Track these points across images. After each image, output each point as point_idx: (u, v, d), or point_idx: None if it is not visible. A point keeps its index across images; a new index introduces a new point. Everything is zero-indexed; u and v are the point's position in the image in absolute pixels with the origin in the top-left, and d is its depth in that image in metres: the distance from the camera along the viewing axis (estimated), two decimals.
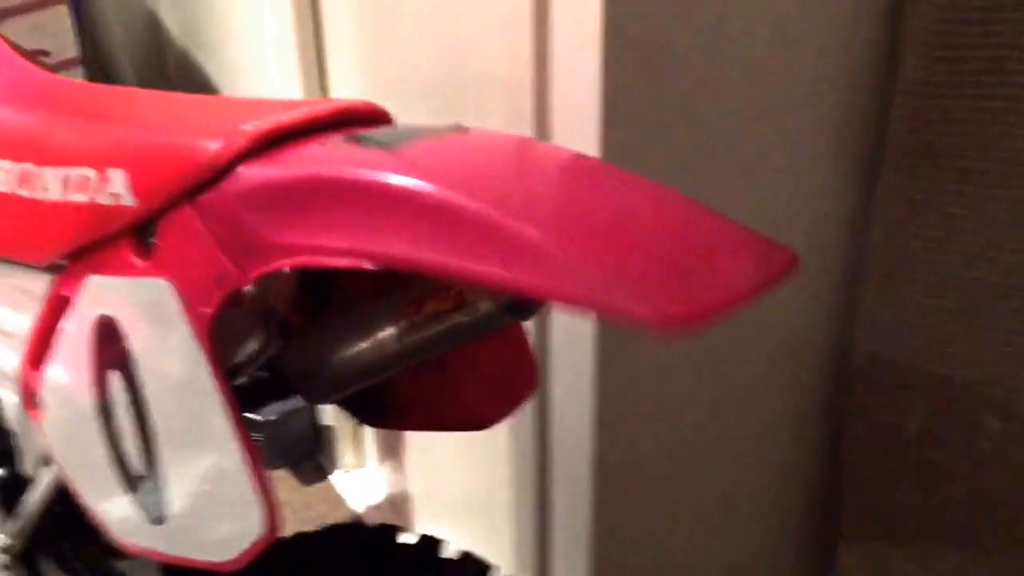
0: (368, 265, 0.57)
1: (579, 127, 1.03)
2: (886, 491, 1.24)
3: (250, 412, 1.00)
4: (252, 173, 0.64)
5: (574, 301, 0.50)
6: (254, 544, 0.71)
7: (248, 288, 0.66)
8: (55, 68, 2.05)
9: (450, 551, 1.00)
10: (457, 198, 0.54)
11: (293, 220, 0.61)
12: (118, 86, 0.91)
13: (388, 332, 0.78)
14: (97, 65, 2.34)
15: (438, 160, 0.60)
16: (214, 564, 0.74)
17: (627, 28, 0.98)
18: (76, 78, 2.06)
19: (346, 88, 1.80)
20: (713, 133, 1.08)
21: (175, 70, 2.53)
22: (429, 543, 1.02)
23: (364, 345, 0.80)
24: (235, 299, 0.67)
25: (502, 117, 1.18)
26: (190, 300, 0.67)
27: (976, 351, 1.12)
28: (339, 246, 0.59)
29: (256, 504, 0.70)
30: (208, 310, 0.66)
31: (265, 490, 0.70)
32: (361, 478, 2.34)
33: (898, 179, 1.13)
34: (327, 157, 0.62)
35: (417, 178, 0.56)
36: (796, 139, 1.15)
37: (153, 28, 2.48)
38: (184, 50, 2.47)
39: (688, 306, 0.49)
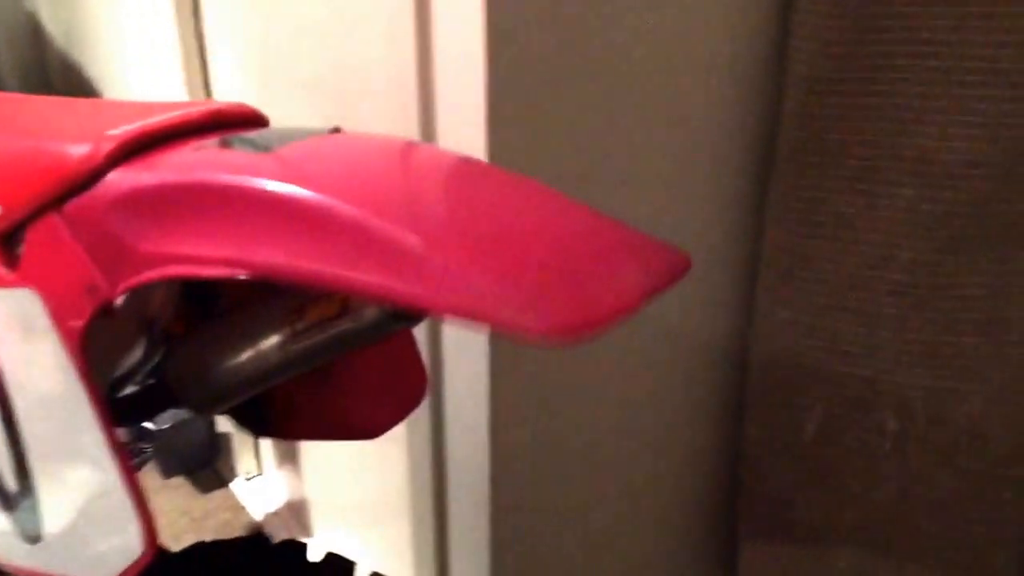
0: (242, 275, 0.56)
1: (465, 128, 1.02)
2: (784, 491, 1.24)
3: (146, 420, 0.97)
4: (121, 179, 0.62)
5: (456, 312, 0.48)
6: (133, 563, 0.68)
7: (120, 300, 0.64)
8: None
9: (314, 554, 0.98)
10: (332, 203, 0.52)
11: (164, 228, 0.59)
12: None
13: (271, 341, 0.76)
14: None
15: (313, 163, 0.58)
16: None
17: (511, 27, 0.97)
18: None
19: (229, 89, 1.77)
20: (602, 132, 1.08)
21: (58, 74, 2.47)
22: (293, 548, 0.99)
23: (247, 355, 0.78)
24: (107, 311, 0.64)
25: (388, 118, 1.17)
26: (59, 312, 0.64)
27: (873, 350, 1.13)
28: (212, 255, 0.57)
29: (134, 520, 0.67)
30: (78, 322, 0.64)
31: (143, 506, 0.67)
32: (260, 485, 2.31)
33: (791, 177, 1.13)
34: (198, 162, 0.60)
35: (290, 182, 0.54)
36: (687, 138, 1.15)
37: (35, 33, 2.42)
38: (66, 54, 2.41)
39: (576, 314, 0.47)
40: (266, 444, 2.27)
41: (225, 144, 0.62)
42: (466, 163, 0.66)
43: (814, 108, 1.08)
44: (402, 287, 0.49)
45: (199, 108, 0.69)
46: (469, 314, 0.48)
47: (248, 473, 2.33)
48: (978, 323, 1.09)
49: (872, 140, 1.06)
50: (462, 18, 0.97)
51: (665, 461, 1.36)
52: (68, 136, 0.65)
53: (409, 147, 0.66)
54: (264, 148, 0.61)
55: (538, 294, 0.49)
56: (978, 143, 1.02)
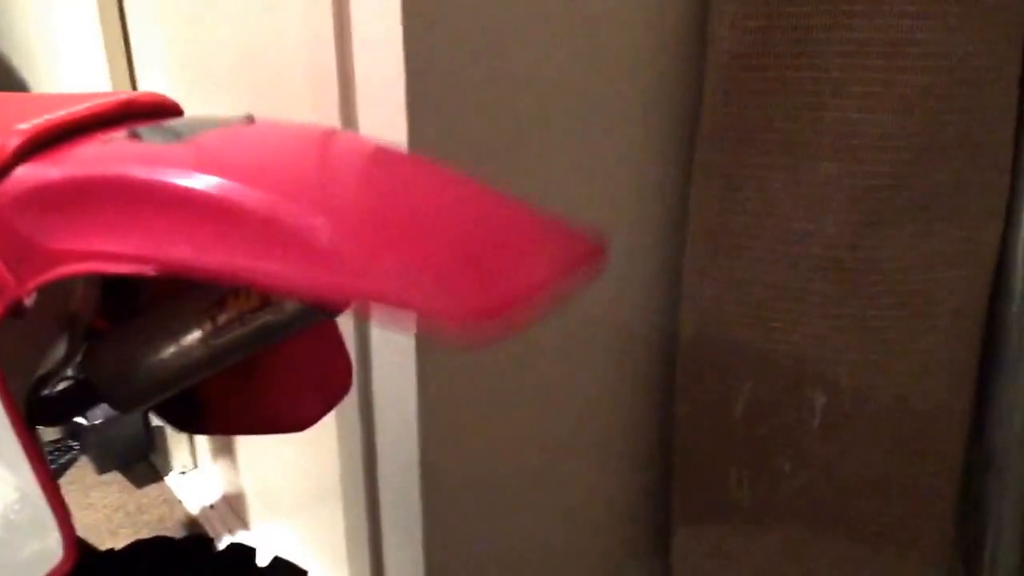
0: (151, 272, 0.54)
1: (385, 113, 1.01)
2: (716, 470, 1.25)
3: (77, 416, 0.94)
4: (26, 175, 0.60)
5: (366, 298, 0.47)
6: (55, 568, 0.67)
7: (30, 300, 0.62)
8: None
9: (262, 559, 0.97)
10: (238, 191, 0.50)
11: (71, 224, 0.57)
12: None
13: (193, 336, 0.75)
14: None
15: (222, 152, 0.56)
16: None
17: (429, 11, 0.96)
18: None
19: (154, 80, 1.75)
20: (522, 116, 1.07)
21: None
22: (240, 552, 0.98)
23: (169, 351, 0.76)
24: (16, 310, 0.62)
25: (308, 105, 1.15)
26: None
27: (799, 326, 1.13)
28: (120, 251, 0.55)
29: (52, 528, 0.66)
30: None
31: (61, 510, 0.66)
32: (196, 478, 2.29)
33: (714, 155, 1.13)
34: (104, 154, 0.58)
35: (196, 172, 0.52)
36: (610, 118, 1.15)
37: None
38: None
39: (487, 298, 0.46)
40: (201, 438, 2.25)
41: (134, 135, 0.60)
42: (380, 151, 0.65)
43: (735, 84, 1.08)
44: (309, 277, 0.48)
45: (110, 99, 0.67)
46: (378, 300, 0.47)
47: (183, 467, 2.31)
48: (901, 295, 1.09)
49: (793, 114, 1.06)
50: (380, 2, 0.96)
51: (596, 444, 1.36)
52: None
53: (321, 134, 0.65)
54: (175, 138, 0.59)
55: (448, 279, 0.47)
56: (895, 116, 1.03)
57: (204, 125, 0.62)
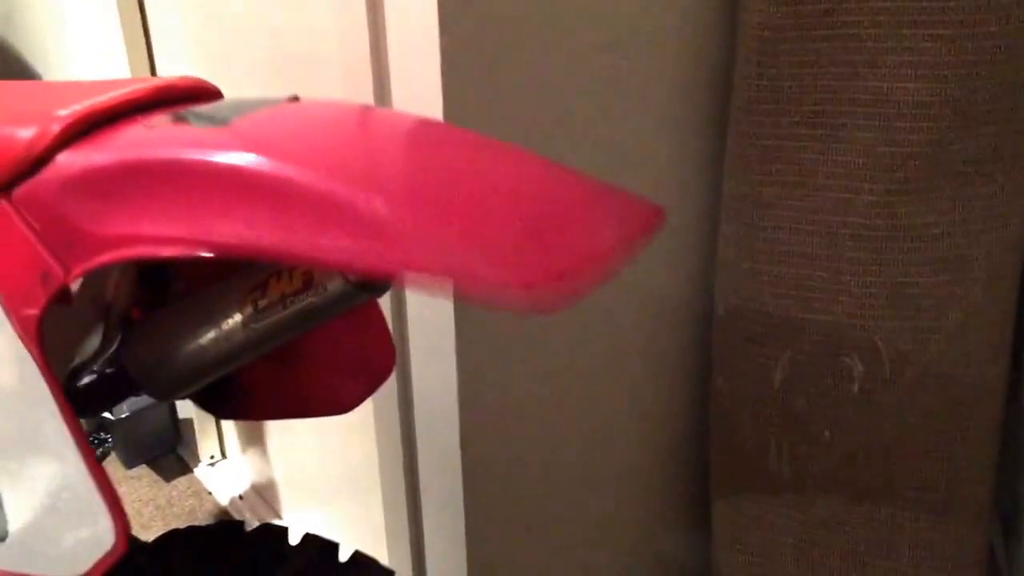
0: (203, 253, 0.54)
1: (420, 100, 1.01)
2: (754, 441, 1.25)
3: (104, 410, 0.94)
4: (71, 161, 0.59)
5: (428, 273, 0.47)
6: (106, 556, 0.67)
7: (76, 285, 0.62)
8: None
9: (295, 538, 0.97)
10: (291, 171, 0.50)
11: (119, 209, 0.57)
12: None
13: (233, 320, 0.75)
14: None
15: (271, 132, 0.56)
16: None
17: None
18: None
19: (174, 67, 1.74)
20: (556, 93, 1.07)
21: None
22: (272, 532, 0.98)
23: (209, 336, 0.76)
24: (63, 297, 0.62)
25: (341, 89, 1.15)
26: (12, 301, 0.62)
27: (836, 295, 1.13)
28: (169, 234, 0.55)
29: (104, 514, 0.66)
30: (33, 311, 0.62)
31: (111, 497, 0.65)
32: (225, 469, 2.29)
33: (747, 127, 1.13)
34: (151, 138, 0.58)
35: (247, 153, 0.52)
36: (641, 93, 1.14)
37: None
38: (3, 40, 2.36)
39: (550, 269, 0.46)
40: (229, 428, 2.25)
41: (178, 119, 0.60)
42: (427, 125, 0.64)
43: (767, 56, 1.08)
44: (369, 253, 0.48)
45: (148, 84, 0.67)
46: (439, 275, 0.46)
47: (212, 458, 2.31)
48: (937, 262, 1.09)
49: (826, 85, 1.06)
50: None
51: (636, 418, 1.36)
52: (13, 119, 0.63)
53: (368, 111, 0.65)
54: (220, 121, 0.59)
55: (511, 250, 0.47)
56: (928, 84, 1.02)
57: (249, 106, 0.61)
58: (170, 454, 2.39)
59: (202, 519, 2.15)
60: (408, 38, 1.00)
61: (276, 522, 1.99)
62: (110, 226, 0.57)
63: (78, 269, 0.59)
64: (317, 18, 1.23)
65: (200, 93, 0.70)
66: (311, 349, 0.85)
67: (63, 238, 0.60)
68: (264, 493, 2.14)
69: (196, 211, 0.54)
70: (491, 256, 0.46)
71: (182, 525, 0.97)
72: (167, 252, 0.55)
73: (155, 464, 2.35)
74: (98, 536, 0.66)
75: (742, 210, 1.16)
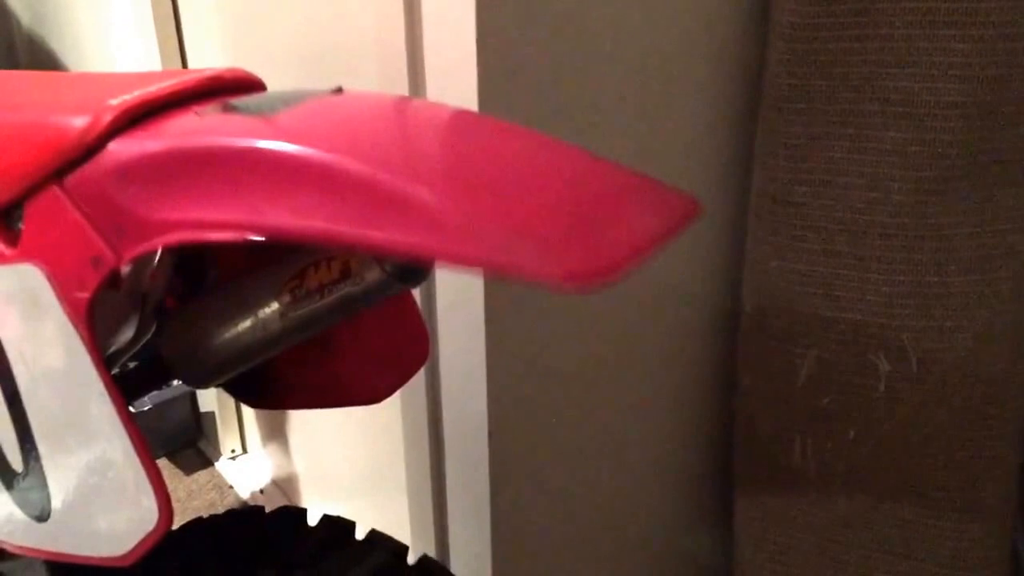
0: (251, 237, 0.55)
1: (455, 92, 1.02)
2: (779, 438, 1.26)
3: (138, 398, 0.95)
4: (122, 148, 0.61)
5: (474, 263, 0.48)
6: (148, 535, 0.68)
7: (126, 269, 0.63)
8: None
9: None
10: (341, 161, 0.52)
11: (169, 195, 0.58)
12: None
13: (270, 309, 0.76)
14: None
15: (317, 123, 0.57)
16: (108, 560, 0.71)
17: None
18: None
19: (206, 59, 1.76)
20: (589, 86, 1.08)
21: (24, 55, 2.44)
22: (292, 514, 0.99)
23: (245, 324, 0.77)
24: (113, 281, 0.64)
25: (375, 81, 1.16)
26: (64, 285, 0.64)
27: (864, 293, 1.14)
28: (219, 219, 0.56)
29: (148, 494, 0.67)
30: (84, 295, 0.63)
31: (157, 478, 0.67)
32: (246, 463, 2.31)
33: (777, 125, 1.14)
34: (201, 127, 0.59)
35: (296, 143, 0.53)
36: (672, 89, 1.15)
37: (1, 12, 2.39)
38: (33, 33, 2.38)
39: (594, 261, 0.47)
40: (250, 422, 2.27)
41: (228, 109, 0.61)
42: (469, 115, 0.65)
43: (799, 54, 1.08)
44: (416, 240, 0.49)
45: (197, 75, 0.68)
46: (485, 264, 0.47)
47: (233, 452, 2.33)
48: (965, 261, 1.10)
49: (857, 84, 1.06)
50: None
51: (660, 413, 1.37)
52: (66, 108, 0.64)
53: (411, 102, 0.66)
54: (268, 111, 0.60)
55: (553, 240, 0.48)
56: (959, 83, 1.03)
57: (296, 97, 0.62)
58: (191, 448, 2.40)
59: None
60: (444, 30, 1.01)
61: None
62: (161, 212, 0.59)
63: (129, 253, 0.61)
64: (351, 8, 1.24)
65: (247, 84, 0.72)
66: (345, 338, 0.86)
67: (114, 224, 0.61)
68: (285, 487, 2.15)
69: (246, 197, 0.55)
70: (539, 247, 0.47)
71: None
72: (217, 236, 0.56)
73: (176, 457, 2.37)
74: (142, 515, 0.67)
75: (770, 208, 1.17)
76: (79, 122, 0.62)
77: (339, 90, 0.66)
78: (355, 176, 0.51)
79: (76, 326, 0.64)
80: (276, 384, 0.92)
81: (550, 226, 0.49)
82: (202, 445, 2.40)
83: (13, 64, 2.42)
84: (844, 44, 1.06)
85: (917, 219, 1.08)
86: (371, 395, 0.87)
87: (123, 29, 1.96)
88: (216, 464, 2.33)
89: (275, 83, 1.44)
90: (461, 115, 0.64)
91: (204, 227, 0.57)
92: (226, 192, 0.56)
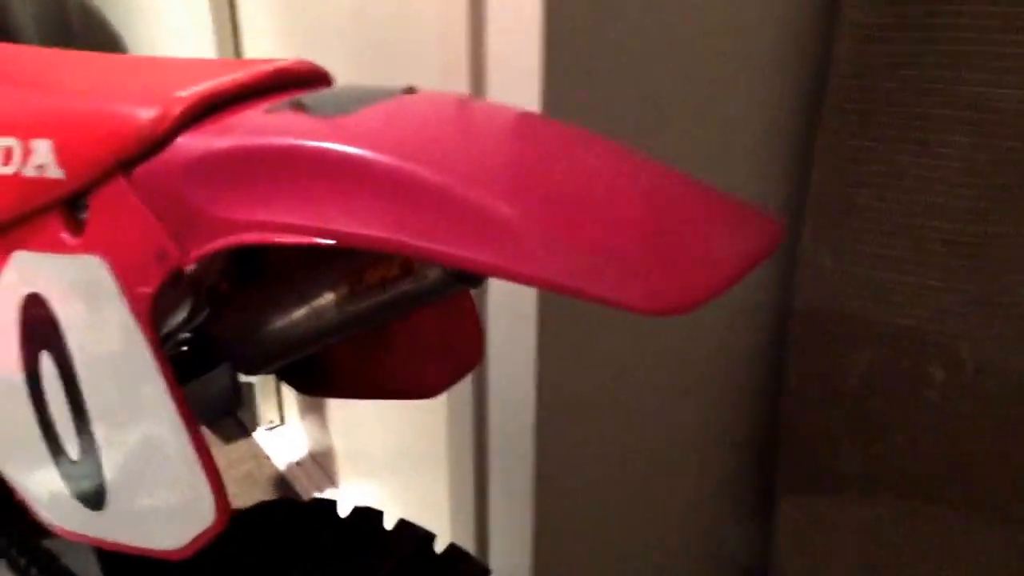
0: (321, 242, 0.54)
1: (518, 87, 1.00)
2: (826, 441, 1.24)
3: (187, 382, 0.95)
4: (194, 143, 0.60)
5: (550, 285, 0.47)
6: (206, 531, 0.68)
7: (190, 268, 0.62)
8: None
9: (387, 522, 0.97)
10: (415, 170, 0.50)
11: (239, 194, 0.57)
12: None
13: (327, 301, 0.75)
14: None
15: (391, 127, 0.56)
16: (163, 552, 0.71)
17: None
18: None
19: (261, 39, 1.75)
20: (654, 82, 1.06)
21: (78, 26, 2.44)
22: (366, 515, 0.98)
23: (301, 314, 0.77)
24: (176, 278, 0.63)
25: (434, 70, 1.15)
26: (127, 279, 0.63)
27: (922, 300, 1.12)
28: (289, 222, 0.55)
29: (205, 488, 0.67)
30: (147, 289, 0.63)
31: (214, 474, 0.67)
32: (283, 435, 2.32)
33: (841, 125, 1.11)
34: (274, 126, 0.58)
35: (370, 148, 0.52)
36: (737, 83, 1.13)
37: None
38: (86, 4, 2.38)
39: (678, 287, 0.45)
40: (288, 393, 2.28)
41: (298, 106, 0.60)
42: (544, 123, 0.63)
43: (866, 56, 1.06)
44: (490, 259, 0.48)
45: (265, 67, 0.67)
46: (566, 289, 0.46)
47: (271, 423, 2.34)
48: None
49: (926, 88, 1.04)
50: None
51: (706, 410, 1.36)
52: (133, 98, 0.64)
53: (484, 106, 0.65)
54: (341, 110, 0.59)
55: (635, 263, 0.47)
56: None
57: (368, 97, 0.61)
58: (229, 417, 2.41)
59: (260, 483, 2.17)
60: (509, 21, 1.00)
61: (332, 493, 2.01)
62: (229, 210, 0.58)
63: (195, 251, 0.60)
64: (415, 5, 1.22)
65: (314, 78, 0.71)
66: (399, 332, 0.85)
67: (181, 219, 0.60)
68: (322, 461, 2.16)
69: (316, 202, 0.54)
70: (620, 270, 0.46)
71: (240, 489, 0.98)
72: (286, 239, 0.56)
73: (214, 426, 2.38)
74: (198, 511, 0.67)
75: (829, 209, 1.15)
76: (147, 114, 0.61)
77: (411, 90, 0.65)
78: (430, 186, 0.50)
79: (138, 320, 0.63)
80: (324, 371, 0.92)
81: (631, 247, 0.47)
82: (241, 415, 2.41)
83: (67, 35, 2.42)
84: (913, 47, 1.03)
85: (981, 227, 1.06)
86: (420, 391, 0.86)
87: (178, 10, 1.96)
88: (254, 434, 2.34)
89: (332, 68, 1.44)
90: (536, 122, 0.62)
91: (272, 229, 0.56)
92: (295, 194, 0.55)
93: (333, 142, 0.54)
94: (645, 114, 1.07)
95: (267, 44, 1.72)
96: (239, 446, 2.31)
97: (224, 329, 0.84)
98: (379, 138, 0.54)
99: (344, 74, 1.42)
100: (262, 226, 0.57)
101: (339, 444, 2.04)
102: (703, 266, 0.48)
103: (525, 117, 0.63)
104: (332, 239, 0.54)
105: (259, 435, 2.33)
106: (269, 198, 0.56)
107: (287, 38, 1.63)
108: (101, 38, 2.32)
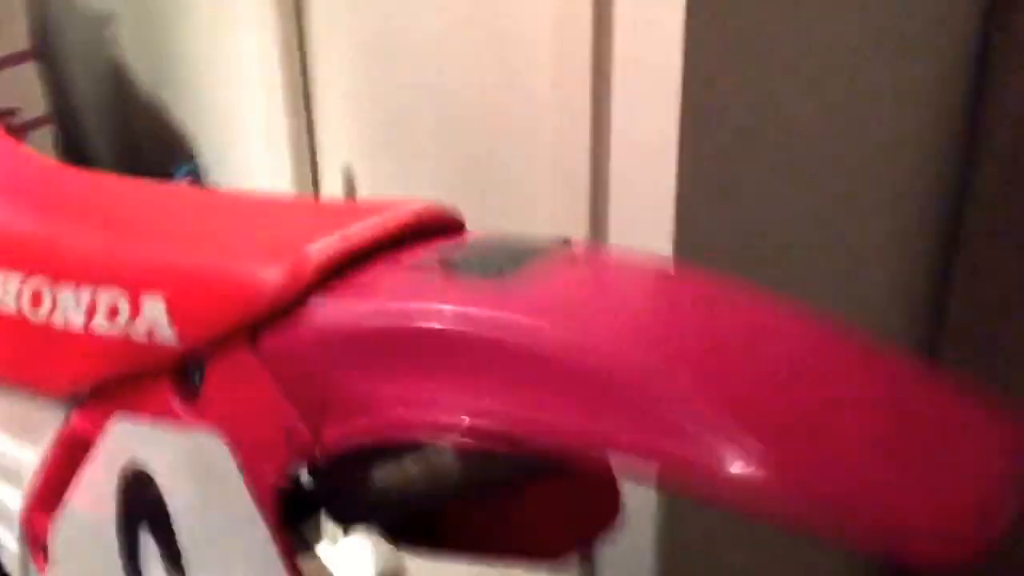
0: (490, 446, 0.46)
1: (647, 103, 0.87)
2: None
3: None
4: (328, 312, 0.52)
5: (796, 522, 0.38)
6: None
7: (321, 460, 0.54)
8: (25, 127, 1.95)
9: None
10: (609, 359, 0.42)
11: (384, 376, 0.49)
12: (142, 179, 0.78)
13: (446, 455, 0.67)
14: (64, 122, 2.23)
15: (568, 301, 0.48)
16: None
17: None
18: (47, 136, 1.95)
19: (337, 127, 1.68)
20: (798, 134, 0.98)
21: (142, 119, 2.43)
22: None
23: (414, 469, 0.69)
24: (310, 462, 0.55)
25: (548, 92, 1.03)
26: (249, 459, 0.56)
27: None
28: (442, 421, 0.47)
29: None
30: (273, 474, 0.55)
31: None
32: (349, 549, 2.23)
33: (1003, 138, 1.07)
34: (423, 293, 0.50)
35: (555, 332, 0.44)
36: (888, 101, 1.05)
37: (119, 78, 2.38)
38: (151, 97, 2.36)
39: (964, 523, 0.37)
40: None
41: (447, 266, 0.52)
42: (722, 290, 0.54)
43: None
44: (725, 488, 0.39)
45: (397, 214, 0.60)
46: (816, 527, 0.37)
47: (334, 537, 2.25)
48: None
49: None
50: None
51: None
52: (255, 253, 0.57)
53: (673, 273, 0.56)
54: (494, 271, 0.51)
55: (895, 499, 0.39)
56: None
57: (524, 255, 0.53)
58: (292, 528, 2.33)
59: None
60: (639, 37, 0.90)
61: None
62: (371, 394, 0.50)
63: (329, 435, 0.52)
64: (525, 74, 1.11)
65: (448, 223, 0.63)
66: (529, 488, 0.77)
67: (312, 396, 0.53)
68: None
69: (478, 389, 0.46)
70: (878, 504, 0.38)
71: None
72: (439, 438, 0.48)
73: None
74: None
75: (989, 232, 1.10)
76: (275, 274, 0.54)
77: (567, 242, 0.57)
78: (630, 381, 0.42)
79: (261, 507, 0.56)
80: (439, 527, 0.84)
81: (886, 478, 0.39)
82: (303, 527, 2.33)
83: (128, 129, 2.41)
84: None
85: None
86: (544, 554, 0.78)
87: (248, 92, 1.90)
88: (318, 548, 2.25)
89: (418, 162, 1.33)
90: (717, 291, 0.53)
91: (418, 428, 0.48)
92: (456, 384, 0.47)
93: (502, 321, 0.46)
94: (786, 122, 0.97)
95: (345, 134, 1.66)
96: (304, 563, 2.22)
97: (325, 478, 0.76)
98: (557, 315, 0.46)
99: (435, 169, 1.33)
100: (404, 424, 0.49)
101: (412, 563, 1.95)
102: (975, 500, 0.39)
103: (712, 286, 0.54)
104: (497, 443, 0.46)
105: (322, 549, 2.24)
106: (420, 385, 0.48)
107: (366, 132, 1.57)
108: (163, 133, 2.29)
